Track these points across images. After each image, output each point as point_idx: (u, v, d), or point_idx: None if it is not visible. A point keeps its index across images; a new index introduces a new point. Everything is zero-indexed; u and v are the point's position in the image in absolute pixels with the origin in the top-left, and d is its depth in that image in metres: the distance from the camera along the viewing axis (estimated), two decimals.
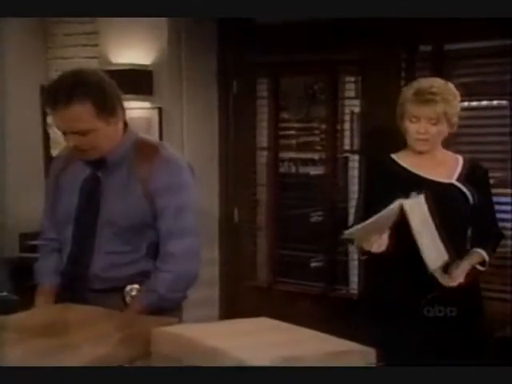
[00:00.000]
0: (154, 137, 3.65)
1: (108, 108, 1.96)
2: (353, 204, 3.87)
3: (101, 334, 1.60)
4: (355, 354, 1.33)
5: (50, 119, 4.43)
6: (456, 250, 2.34)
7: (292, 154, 4.09)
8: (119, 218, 2.02)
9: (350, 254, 3.87)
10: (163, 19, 3.64)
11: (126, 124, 2.08)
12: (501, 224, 2.84)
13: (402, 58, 3.44)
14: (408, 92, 2.40)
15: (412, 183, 2.37)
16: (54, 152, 4.29)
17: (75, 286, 2.05)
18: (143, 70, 3.71)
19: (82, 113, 1.92)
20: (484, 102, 3.45)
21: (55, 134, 4.51)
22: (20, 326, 1.57)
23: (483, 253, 2.40)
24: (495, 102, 3.45)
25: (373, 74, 3.52)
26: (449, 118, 2.36)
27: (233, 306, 4.03)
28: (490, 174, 2.61)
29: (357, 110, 3.80)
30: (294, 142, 4.12)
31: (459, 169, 2.43)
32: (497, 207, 2.67)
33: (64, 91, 1.90)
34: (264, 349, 1.32)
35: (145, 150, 2.07)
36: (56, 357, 1.39)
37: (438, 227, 2.29)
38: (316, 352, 1.30)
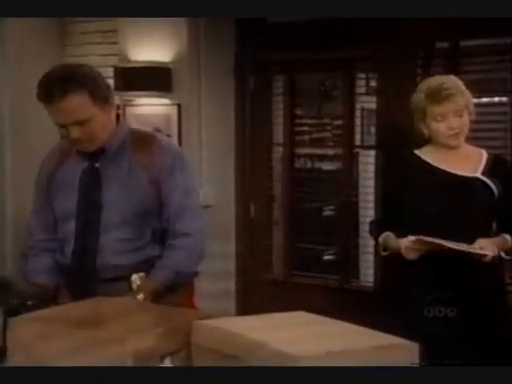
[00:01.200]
0: (173, 133, 3.73)
1: (102, 96, 2.05)
2: (363, 198, 3.96)
3: (138, 327, 1.65)
4: (399, 348, 1.36)
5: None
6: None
7: (307, 150, 4.15)
8: (124, 206, 2.09)
9: (363, 247, 3.93)
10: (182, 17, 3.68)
11: (117, 116, 2.19)
12: None
13: (418, 55, 3.47)
14: (420, 95, 2.46)
15: (437, 178, 2.43)
16: None
17: (83, 279, 2.10)
18: (162, 67, 3.76)
19: (79, 102, 1.98)
20: (496, 99, 3.50)
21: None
22: (59, 318, 1.62)
23: (509, 238, 2.43)
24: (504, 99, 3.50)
25: (388, 70, 3.56)
26: (469, 108, 2.44)
27: (249, 299, 4.09)
28: None
29: (367, 106, 3.86)
30: (309, 137, 4.17)
31: (484, 162, 2.47)
32: None
33: (58, 84, 1.98)
34: (307, 342, 1.36)
35: (142, 138, 2.16)
36: (102, 349, 1.45)
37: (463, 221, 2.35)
38: (361, 346, 1.33)
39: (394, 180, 2.55)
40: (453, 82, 2.46)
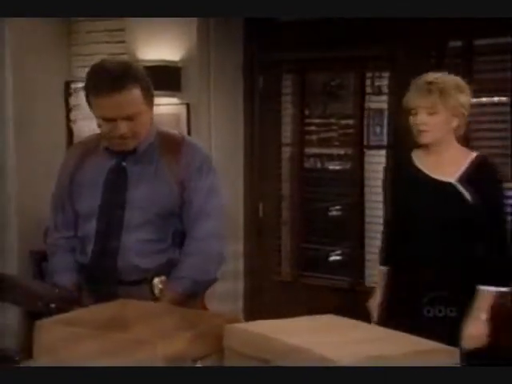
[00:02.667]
0: (182, 132, 3.70)
1: (151, 93, 2.04)
2: (368, 198, 3.94)
3: (166, 330, 1.63)
4: (440, 353, 1.33)
5: (73, 115, 4.48)
6: (452, 251, 2.33)
7: (316, 150, 4.12)
8: (149, 206, 2.05)
9: (369, 248, 3.91)
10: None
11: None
12: None
13: (430, 54, 3.45)
14: (410, 88, 2.43)
15: (418, 180, 2.38)
16: None
17: (103, 280, 2.06)
18: (172, 66, 3.73)
19: (135, 97, 1.97)
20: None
21: (78, 130, 4.56)
22: (85, 321, 1.59)
23: (492, 290, 2.32)
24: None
25: (400, 70, 3.54)
26: (449, 108, 2.33)
27: (257, 300, 4.07)
28: None
29: (374, 106, 3.84)
30: (317, 137, 4.15)
31: (464, 167, 2.36)
32: None
33: (117, 77, 1.94)
34: (345, 346, 1.33)
35: (170, 140, 2.14)
36: (131, 353, 1.42)
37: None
38: (400, 351, 1.30)
39: (386, 180, 2.56)
40: (443, 80, 2.38)
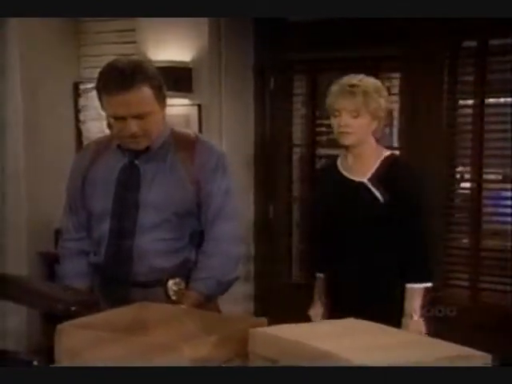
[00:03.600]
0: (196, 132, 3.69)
1: (162, 93, 2.02)
2: None
3: (189, 334, 1.60)
4: (474, 358, 1.30)
5: (81, 116, 4.46)
6: (365, 252, 2.32)
7: (328, 151, 4.09)
8: (163, 205, 2.03)
9: None
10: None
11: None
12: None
13: (444, 54, 3.43)
14: (331, 88, 2.41)
15: (336, 182, 2.39)
16: None
17: (117, 282, 2.03)
18: (183, 67, 3.71)
19: (146, 95, 1.95)
20: None
21: (87, 131, 4.54)
22: (106, 324, 1.57)
23: (419, 287, 2.31)
24: None
25: (414, 71, 3.52)
26: (371, 111, 2.33)
27: (268, 303, 4.04)
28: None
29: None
30: (328, 138, 4.12)
31: (375, 167, 2.36)
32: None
33: (127, 75, 1.92)
34: (375, 352, 1.30)
35: (185, 139, 2.12)
36: (155, 357, 1.39)
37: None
38: (429, 357, 1.27)
39: (315, 184, 2.59)
40: (366, 82, 2.37)
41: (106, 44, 4.26)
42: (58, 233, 4.04)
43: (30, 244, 4.16)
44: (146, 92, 1.95)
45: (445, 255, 3.56)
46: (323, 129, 4.07)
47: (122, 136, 2.01)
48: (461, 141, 3.53)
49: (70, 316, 1.64)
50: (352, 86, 2.35)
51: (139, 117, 1.96)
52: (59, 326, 1.49)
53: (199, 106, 3.77)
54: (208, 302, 1.99)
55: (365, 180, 2.35)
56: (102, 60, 4.26)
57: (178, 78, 3.66)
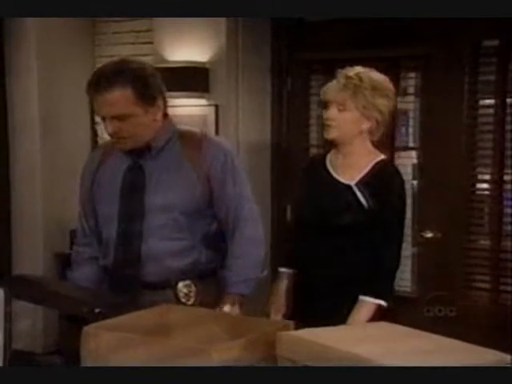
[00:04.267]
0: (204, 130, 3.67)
1: (147, 96, 2.00)
2: None
3: (213, 337, 1.58)
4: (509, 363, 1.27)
5: (97, 117, 4.46)
6: (339, 255, 2.25)
7: None
8: (170, 205, 2.02)
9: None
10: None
11: (166, 115, 2.11)
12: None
13: (465, 53, 3.39)
14: (334, 80, 2.34)
15: (323, 182, 2.30)
16: None
17: (126, 283, 2.02)
18: (200, 67, 3.69)
19: (122, 97, 1.95)
20: None
21: (103, 131, 4.54)
22: (131, 327, 1.55)
23: (369, 300, 2.16)
24: None
25: (434, 70, 3.48)
26: (360, 107, 2.23)
27: None
28: None
29: (398, 106, 3.76)
30: None
31: (365, 171, 2.26)
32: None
33: (106, 76, 1.96)
34: (413, 357, 1.27)
35: (190, 136, 2.11)
36: (183, 359, 1.37)
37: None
38: (474, 362, 1.25)
39: (300, 181, 2.47)
40: (365, 78, 2.27)
41: (122, 44, 4.25)
42: (73, 234, 4.06)
43: (46, 245, 4.16)
44: (126, 94, 1.94)
45: (464, 257, 3.52)
46: None
47: (110, 137, 2.03)
48: (481, 141, 3.49)
49: (93, 318, 1.62)
50: (347, 77, 2.28)
51: (118, 118, 1.96)
52: (85, 329, 1.48)
53: (216, 106, 3.75)
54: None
55: (352, 184, 2.25)
56: None
57: (194, 79, 3.64)
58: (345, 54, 3.70)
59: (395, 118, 3.70)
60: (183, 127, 2.16)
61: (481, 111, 3.46)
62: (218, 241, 2.12)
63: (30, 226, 4.19)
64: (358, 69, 2.34)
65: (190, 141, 2.08)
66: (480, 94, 3.43)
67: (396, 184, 2.27)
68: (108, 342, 1.44)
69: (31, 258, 4.14)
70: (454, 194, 3.47)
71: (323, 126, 2.35)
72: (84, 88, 4.20)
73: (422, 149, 3.68)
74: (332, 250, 2.24)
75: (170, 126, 2.10)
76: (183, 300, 2.01)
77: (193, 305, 1.99)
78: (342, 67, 3.80)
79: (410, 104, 4.02)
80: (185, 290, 2.02)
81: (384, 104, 2.27)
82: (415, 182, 3.97)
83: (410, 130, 4.23)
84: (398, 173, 2.34)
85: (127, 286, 2.02)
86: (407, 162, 3.90)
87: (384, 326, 1.53)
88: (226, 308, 1.96)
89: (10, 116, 4.21)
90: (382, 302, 2.18)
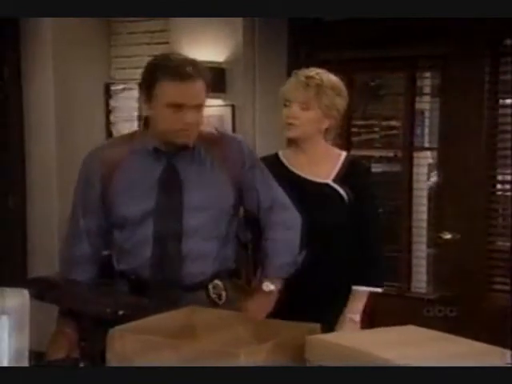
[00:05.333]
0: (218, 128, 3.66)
1: (208, 90, 2.06)
2: (417, 201, 3.85)
3: (239, 340, 1.57)
4: None
5: (112, 118, 4.44)
6: (332, 253, 2.27)
7: (362, 152, 4.03)
8: (207, 205, 2.01)
9: (416, 252, 3.82)
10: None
11: None
12: None
13: (485, 53, 3.35)
14: (289, 79, 2.39)
15: (289, 182, 2.26)
16: None
17: (163, 286, 1.99)
18: (216, 67, 3.67)
19: (202, 88, 2.00)
20: None
21: (118, 132, 4.52)
22: (157, 329, 1.53)
23: (365, 290, 2.27)
24: None
25: (453, 69, 3.44)
26: (323, 107, 2.28)
27: None
28: None
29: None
30: (365, 138, 4.07)
31: (338, 167, 2.32)
32: None
33: (188, 65, 1.97)
34: (446, 361, 1.25)
35: (211, 137, 2.11)
36: (212, 363, 1.34)
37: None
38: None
39: None
40: (323, 78, 2.35)
41: (138, 45, 4.24)
42: None
43: (61, 245, 4.16)
44: (202, 85, 1.99)
45: (485, 259, 3.48)
46: (357, 129, 4.02)
47: (173, 129, 1.97)
48: (501, 141, 3.45)
49: (117, 320, 1.61)
50: (307, 77, 2.32)
51: (196, 108, 1.97)
52: (111, 331, 1.46)
53: (233, 106, 3.73)
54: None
55: (329, 181, 2.29)
56: (133, 61, 4.31)
57: (211, 79, 3.62)
58: (361, 53, 3.69)
59: (414, 118, 3.72)
60: (205, 129, 2.15)
61: (501, 111, 3.43)
62: (244, 238, 2.16)
63: (45, 227, 4.19)
64: (316, 69, 2.41)
65: (211, 141, 2.09)
66: (500, 94, 3.40)
67: (369, 178, 2.39)
68: (134, 345, 1.43)
69: (46, 259, 4.13)
70: (474, 194, 3.44)
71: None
72: (99, 87, 4.30)
73: (440, 149, 3.64)
74: (319, 246, 2.23)
75: None
76: (216, 300, 2.01)
77: (224, 304, 1.99)
78: (359, 66, 3.82)
79: (425, 104, 4.01)
80: (216, 290, 2.02)
81: (341, 104, 2.35)
82: (430, 183, 3.95)
83: (426, 130, 4.21)
84: (368, 167, 2.50)
85: (164, 287, 1.98)
86: (423, 162, 3.88)
87: (413, 330, 1.50)
88: (268, 286, 1.98)
89: (25, 116, 4.21)
90: (379, 289, 2.30)
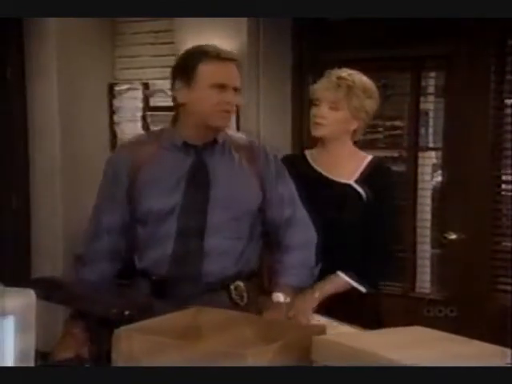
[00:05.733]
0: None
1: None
2: (421, 201, 3.84)
3: (245, 341, 1.56)
4: None
5: (116, 118, 4.43)
6: (351, 252, 2.26)
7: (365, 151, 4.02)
8: (233, 203, 2.01)
9: (420, 253, 3.81)
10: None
11: None
12: None
13: (490, 52, 3.34)
14: (320, 80, 2.39)
15: (312, 180, 2.29)
16: None
17: (184, 286, 1.98)
18: None
19: (238, 71, 2.05)
20: None
21: (122, 132, 4.52)
22: (163, 330, 1.52)
23: (345, 279, 2.22)
24: None
25: (458, 69, 3.43)
26: (352, 108, 2.29)
27: None
28: None
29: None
30: (369, 138, 4.05)
31: (361, 169, 2.32)
32: None
33: (224, 49, 2.07)
34: (452, 363, 1.24)
35: (239, 139, 2.13)
36: (219, 364, 1.34)
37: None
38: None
39: None
40: (355, 79, 2.35)
41: (142, 45, 4.24)
42: None
43: (66, 246, 4.15)
44: (238, 69, 2.04)
45: (489, 259, 3.47)
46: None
47: (217, 109, 1.98)
48: (507, 141, 3.43)
49: (123, 320, 1.60)
50: (339, 78, 2.33)
51: (236, 89, 2.01)
52: (117, 331, 1.45)
53: (237, 105, 3.71)
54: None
55: (351, 182, 2.29)
56: (137, 61, 4.31)
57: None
58: (366, 53, 3.68)
59: (418, 118, 3.71)
60: (230, 132, 2.18)
61: (506, 111, 3.41)
62: (263, 240, 2.15)
63: (49, 228, 4.19)
64: (348, 70, 2.40)
65: (240, 143, 2.10)
66: (505, 94, 3.39)
67: (392, 181, 2.42)
68: (140, 345, 1.42)
69: (51, 259, 4.14)
70: (479, 195, 3.43)
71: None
72: (103, 87, 4.30)
73: (445, 149, 3.63)
74: (334, 244, 2.23)
75: None
76: (238, 301, 2.01)
77: (245, 305, 1.99)
78: (363, 66, 3.79)
79: (430, 104, 4.00)
80: (238, 291, 2.02)
81: (371, 106, 2.34)
82: (434, 183, 3.94)
83: (430, 130, 4.20)
84: (391, 171, 2.52)
85: (186, 285, 1.97)
86: (427, 162, 3.87)
87: (420, 331, 1.50)
88: (278, 297, 1.96)
89: (29, 116, 4.21)
90: (362, 288, 2.23)
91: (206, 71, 1.97)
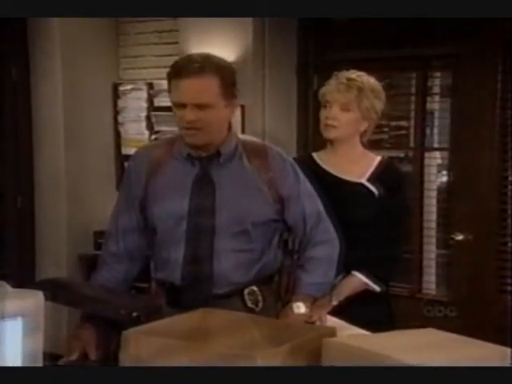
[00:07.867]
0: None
1: (230, 91, 1.98)
2: (427, 202, 3.82)
3: (254, 343, 1.54)
4: None
5: (120, 118, 4.42)
6: (364, 251, 2.25)
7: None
8: (241, 213, 1.98)
9: (426, 253, 3.80)
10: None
11: (230, 125, 2.07)
12: None
13: (497, 52, 3.33)
14: (330, 80, 2.39)
15: (324, 181, 2.26)
16: (125, 150, 4.28)
17: (194, 292, 1.96)
18: None
19: (210, 85, 1.91)
20: None
21: (126, 132, 4.51)
22: (171, 332, 1.51)
23: (363, 279, 2.23)
24: None
25: (465, 69, 3.42)
26: (363, 109, 2.30)
27: None
28: None
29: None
30: (375, 139, 4.03)
31: (372, 168, 2.34)
32: None
33: (198, 62, 1.92)
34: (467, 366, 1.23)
35: (254, 147, 2.06)
36: (226, 365, 1.33)
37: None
38: None
39: None
40: (364, 80, 2.36)
41: (146, 45, 4.23)
42: (96, 235, 4.05)
43: (70, 247, 4.15)
44: (212, 83, 1.91)
45: (496, 259, 3.45)
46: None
47: (181, 127, 1.96)
48: None
49: (131, 322, 1.59)
50: (349, 79, 2.33)
51: (200, 107, 1.91)
52: (125, 333, 1.44)
53: (242, 106, 3.71)
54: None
55: (363, 181, 2.31)
56: (141, 61, 4.30)
57: (232, 74, 3.60)
58: (371, 53, 3.66)
59: (425, 118, 3.70)
60: (244, 137, 2.16)
61: None
62: (282, 245, 2.13)
63: (53, 229, 4.18)
64: (356, 71, 2.42)
65: (255, 151, 2.05)
66: None
67: (402, 181, 2.43)
68: (148, 347, 1.41)
69: (55, 260, 4.13)
70: (486, 195, 3.41)
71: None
72: (107, 87, 4.29)
73: (452, 149, 3.62)
74: (348, 243, 2.21)
75: (234, 136, 2.07)
76: (252, 306, 1.99)
77: (260, 311, 1.97)
78: (369, 66, 3.78)
79: (435, 104, 3.98)
80: (253, 297, 2.00)
81: (380, 106, 2.37)
82: (439, 183, 3.92)
83: (436, 130, 4.18)
84: (401, 171, 2.55)
85: (197, 294, 1.95)
86: (432, 162, 3.85)
87: (433, 333, 1.48)
88: (298, 308, 1.95)
89: (34, 117, 4.21)
90: (377, 287, 2.24)
91: (173, 89, 1.95)
